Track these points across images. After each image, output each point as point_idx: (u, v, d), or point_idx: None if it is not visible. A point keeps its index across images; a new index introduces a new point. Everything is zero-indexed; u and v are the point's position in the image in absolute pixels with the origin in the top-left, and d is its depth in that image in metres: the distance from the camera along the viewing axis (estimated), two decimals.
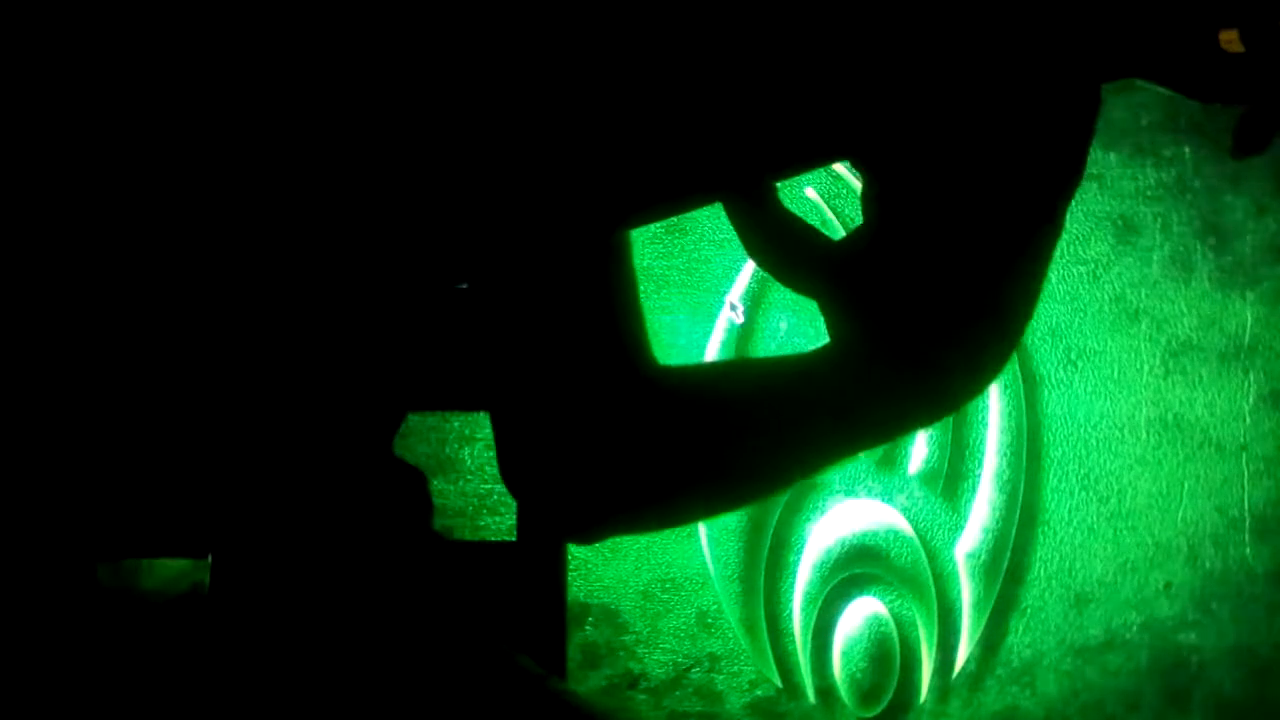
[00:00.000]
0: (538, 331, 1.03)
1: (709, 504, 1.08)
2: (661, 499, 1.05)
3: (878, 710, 2.43)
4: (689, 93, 0.97)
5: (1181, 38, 0.90)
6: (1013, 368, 2.45)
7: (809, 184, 2.31)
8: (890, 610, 2.43)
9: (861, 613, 2.43)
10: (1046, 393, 2.47)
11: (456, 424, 2.09)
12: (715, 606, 2.41)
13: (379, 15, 0.98)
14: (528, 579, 1.30)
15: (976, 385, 0.97)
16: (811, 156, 0.96)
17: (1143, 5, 0.90)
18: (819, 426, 1.00)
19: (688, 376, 1.05)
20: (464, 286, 1.06)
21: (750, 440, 1.01)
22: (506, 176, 0.99)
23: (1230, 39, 0.90)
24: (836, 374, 0.98)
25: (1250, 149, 0.93)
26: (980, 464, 2.45)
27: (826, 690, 2.42)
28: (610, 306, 1.05)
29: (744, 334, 2.23)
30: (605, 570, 2.39)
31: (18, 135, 0.97)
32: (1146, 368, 2.49)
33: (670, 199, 1.01)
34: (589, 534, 1.18)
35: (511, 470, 1.07)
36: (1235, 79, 0.90)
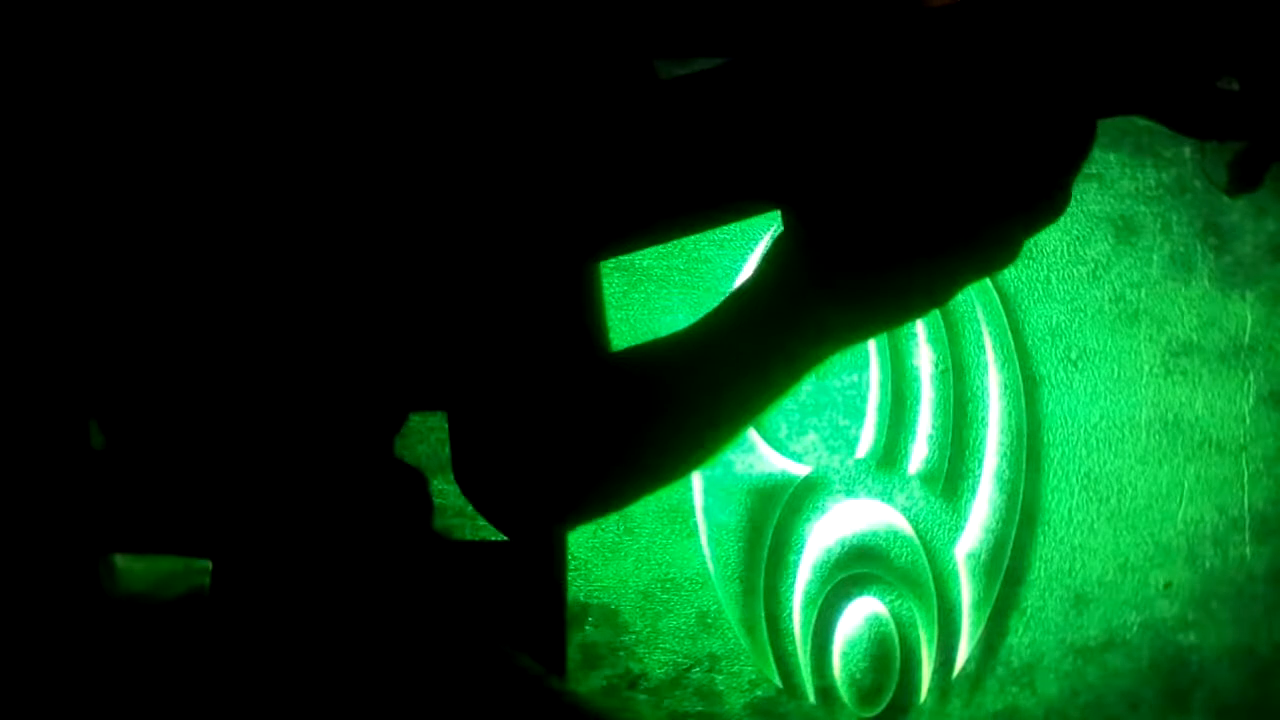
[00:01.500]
0: (502, 332, 1.03)
1: (660, 469, 1.08)
2: (619, 474, 1.06)
3: (878, 710, 2.42)
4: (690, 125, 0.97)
5: (1177, 75, 0.90)
6: (1013, 368, 2.45)
7: None
8: (890, 610, 2.43)
9: (861, 613, 2.43)
10: (1046, 393, 2.47)
11: None
12: (715, 606, 2.41)
13: (367, 26, 0.98)
14: (528, 579, 1.29)
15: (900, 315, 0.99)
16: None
17: (1138, 44, 0.90)
18: (755, 345, 1.00)
19: (621, 354, 1.06)
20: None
21: (681, 393, 1.02)
22: (501, 192, 0.99)
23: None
24: (773, 276, 0.99)
25: (1246, 186, 0.94)
26: (980, 464, 2.45)
27: (826, 690, 2.42)
28: (577, 317, 1.06)
29: None
30: (605, 570, 2.39)
31: (17, 135, 0.97)
32: (1146, 368, 2.49)
33: (668, 225, 1.01)
34: (554, 522, 1.18)
35: (467, 469, 1.07)
36: (1230, 116, 0.91)
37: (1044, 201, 0.95)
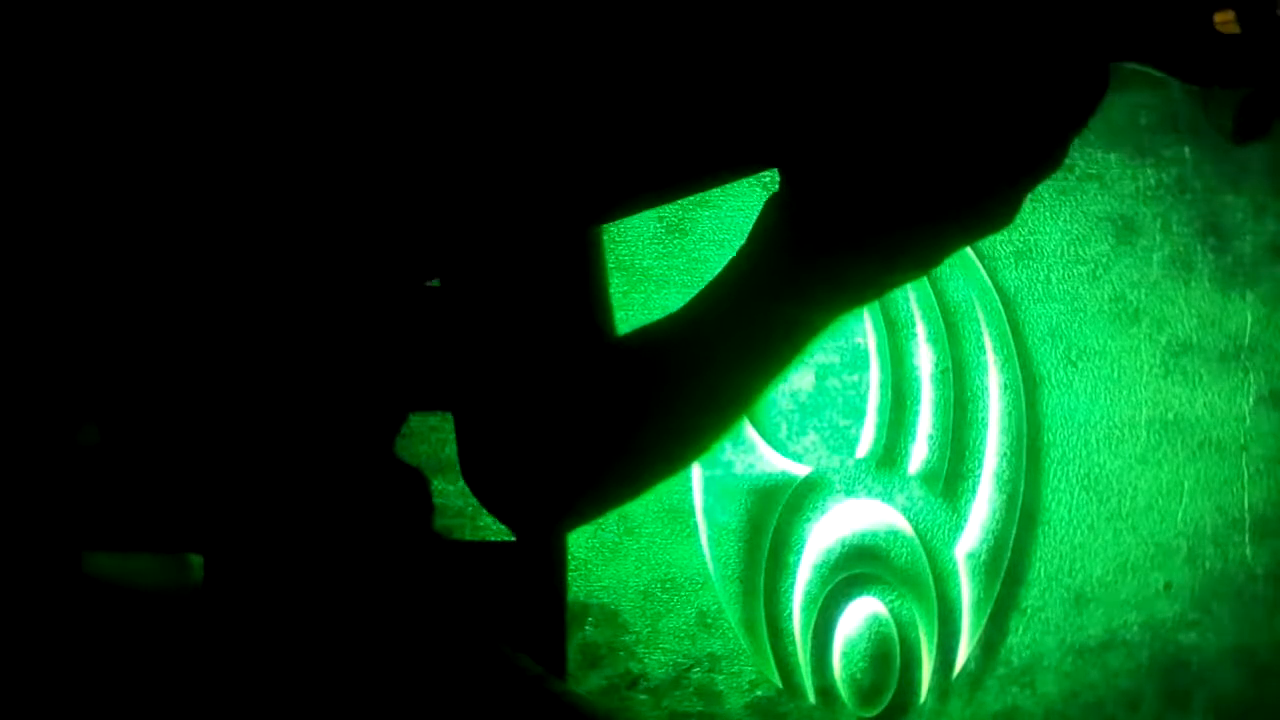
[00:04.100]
0: (509, 328, 1.03)
1: (663, 452, 1.08)
2: (625, 460, 1.06)
3: (878, 710, 2.43)
4: (689, 83, 0.97)
5: (1176, 19, 0.89)
6: (1013, 368, 2.45)
7: None
8: (890, 610, 2.43)
9: (861, 613, 2.43)
10: (1046, 393, 2.47)
11: None
12: (715, 606, 2.41)
13: (364, 14, 0.98)
14: (528, 579, 1.29)
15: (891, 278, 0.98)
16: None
17: None
18: (753, 322, 1.00)
19: (631, 336, 1.05)
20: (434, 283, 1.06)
21: (681, 370, 1.02)
22: (491, 174, 0.99)
23: (1226, 20, 0.89)
24: (762, 245, 0.98)
25: (1251, 134, 0.92)
26: (980, 464, 2.45)
27: (826, 690, 2.42)
28: (580, 301, 1.05)
29: None
30: (605, 570, 2.39)
31: (17, 134, 0.97)
32: (1146, 368, 2.49)
33: (662, 189, 1.01)
34: (560, 523, 1.18)
35: (475, 467, 1.07)
36: (1232, 62, 0.90)
37: (1044, 157, 0.92)
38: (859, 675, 2.43)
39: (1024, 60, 0.90)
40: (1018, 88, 0.90)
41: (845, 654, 2.43)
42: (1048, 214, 2.43)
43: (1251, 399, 2.50)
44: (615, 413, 1.03)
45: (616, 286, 2.34)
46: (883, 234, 0.94)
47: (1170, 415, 2.49)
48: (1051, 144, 0.92)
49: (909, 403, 2.44)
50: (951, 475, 2.45)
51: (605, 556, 2.39)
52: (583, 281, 1.06)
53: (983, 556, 2.45)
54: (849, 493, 2.43)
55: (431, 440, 1.92)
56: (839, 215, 0.94)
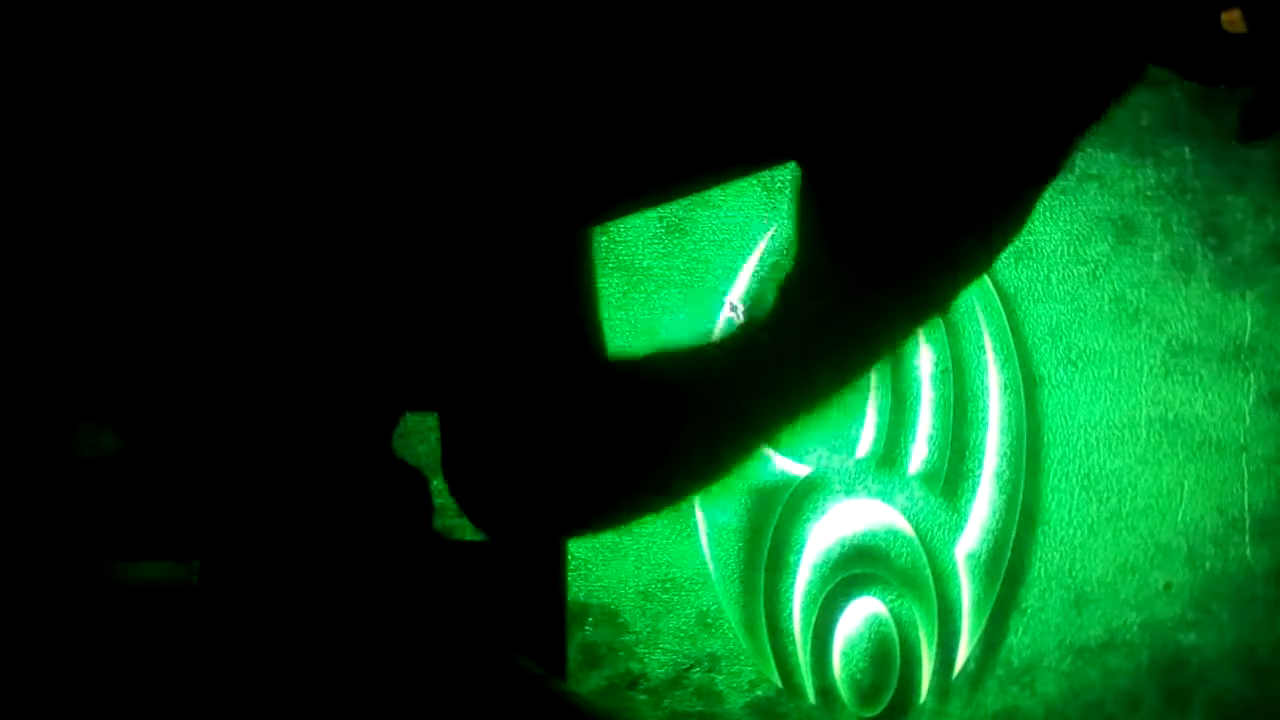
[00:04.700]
0: (494, 328, 1.03)
1: (675, 488, 1.07)
2: (619, 495, 1.05)
3: (878, 710, 2.43)
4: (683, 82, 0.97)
5: (1183, 18, 0.89)
6: (1013, 368, 2.45)
7: None
8: (890, 610, 2.43)
9: (861, 613, 2.43)
10: (1046, 393, 2.47)
11: None
12: (715, 606, 2.41)
13: (364, 13, 0.98)
14: (528, 579, 1.29)
15: (949, 296, 0.96)
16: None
17: None
18: (778, 376, 0.99)
19: (640, 364, 1.05)
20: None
21: (709, 411, 1.01)
22: (482, 174, 0.98)
23: (1233, 19, 0.89)
24: (801, 297, 0.97)
25: (1257, 133, 0.92)
26: (980, 464, 2.45)
27: (826, 690, 2.42)
28: (567, 304, 1.05)
29: None
30: (605, 570, 2.39)
31: (17, 134, 0.97)
32: (1146, 368, 2.49)
33: (660, 189, 1.01)
34: (550, 532, 1.17)
35: (457, 471, 1.07)
36: (1239, 60, 0.90)
37: (1053, 158, 0.92)
38: (859, 675, 2.43)
39: (1031, 60, 0.90)
40: (1026, 86, 0.90)
41: (845, 654, 2.43)
42: (1048, 214, 2.43)
43: (1251, 399, 2.50)
44: (631, 439, 1.02)
45: (616, 286, 2.35)
46: (917, 253, 0.93)
47: (1170, 415, 2.49)
48: (1061, 144, 0.92)
49: (909, 403, 2.44)
50: (951, 475, 2.45)
51: (605, 556, 2.39)
52: (572, 286, 1.06)
53: (983, 556, 2.45)
54: (849, 493, 2.43)
55: (431, 440, 1.92)
56: (875, 230, 0.93)
